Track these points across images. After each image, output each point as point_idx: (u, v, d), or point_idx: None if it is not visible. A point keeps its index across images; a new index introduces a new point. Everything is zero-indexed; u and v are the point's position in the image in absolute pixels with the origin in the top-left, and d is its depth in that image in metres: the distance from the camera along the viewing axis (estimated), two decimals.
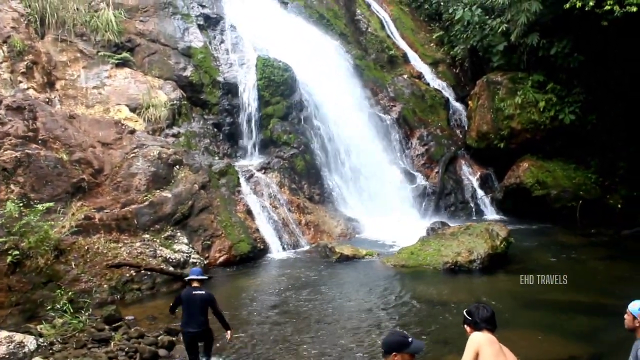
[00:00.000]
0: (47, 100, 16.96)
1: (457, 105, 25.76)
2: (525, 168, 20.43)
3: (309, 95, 21.34)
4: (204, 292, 8.59)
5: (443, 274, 14.00)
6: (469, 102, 23.78)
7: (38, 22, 18.58)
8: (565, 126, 19.94)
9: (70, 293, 11.84)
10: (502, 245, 14.71)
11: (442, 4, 27.29)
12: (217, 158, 19.08)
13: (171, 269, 13.99)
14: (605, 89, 19.23)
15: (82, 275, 12.71)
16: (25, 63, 17.27)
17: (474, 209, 22.10)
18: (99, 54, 19.29)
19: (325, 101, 21.55)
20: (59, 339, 9.99)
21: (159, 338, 10.13)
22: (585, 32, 18.23)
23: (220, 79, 20.88)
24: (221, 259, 15.74)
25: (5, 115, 14.27)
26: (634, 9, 15.40)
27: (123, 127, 16.76)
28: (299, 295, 12.81)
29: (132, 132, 16.81)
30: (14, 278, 11.71)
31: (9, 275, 11.66)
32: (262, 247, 16.65)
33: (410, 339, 4.57)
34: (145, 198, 15.39)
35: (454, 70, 27.61)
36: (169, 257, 14.32)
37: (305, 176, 19.75)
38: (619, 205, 18.95)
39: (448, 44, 27.42)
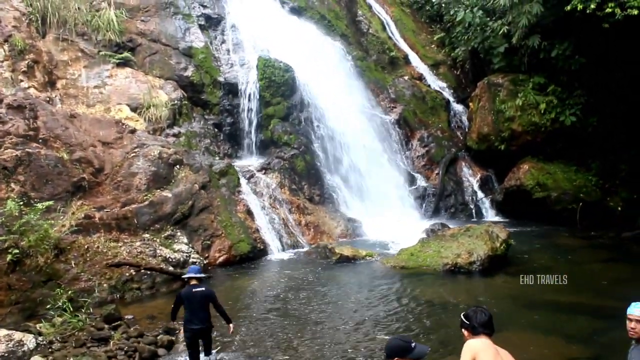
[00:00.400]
0: (48, 99, 16.97)
1: (458, 106, 25.78)
2: (526, 170, 20.42)
3: (309, 96, 21.35)
4: (204, 288, 8.65)
5: (443, 275, 13.99)
6: (470, 104, 23.79)
7: (39, 21, 18.60)
8: (566, 128, 19.94)
9: (70, 292, 11.84)
10: (502, 247, 14.69)
11: (443, 5, 27.29)
12: (217, 158, 19.10)
13: (171, 268, 13.99)
14: (606, 91, 19.22)
15: (82, 274, 12.71)
16: (27, 62, 17.28)
17: (474, 211, 22.12)
18: (100, 53, 19.30)
19: (325, 102, 21.56)
20: (58, 338, 9.99)
21: (158, 337, 10.13)
22: (587, 34, 18.23)
23: (221, 79, 20.90)
24: (221, 259, 15.75)
25: (6, 114, 14.28)
26: (635, 11, 15.41)
27: (124, 126, 16.77)
28: (299, 295, 12.81)
29: (133, 131, 16.81)
30: (14, 276, 11.71)
31: (9, 274, 11.65)
32: (261, 247, 16.66)
33: (413, 344, 4.54)
34: (145, 197, 15.40)
35: (455, 71, 27.62)
36: (169, 257, 14.32)
37: (305, 177, 19.75)
38: (620, 208, 18.93)
39: (449, 46, 27.44)
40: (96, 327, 10.48)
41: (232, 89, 20.92)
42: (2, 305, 11.32)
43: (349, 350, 9.52)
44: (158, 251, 14.32)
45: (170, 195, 15.78)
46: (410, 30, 28.57)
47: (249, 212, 17.19)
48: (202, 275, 9.32)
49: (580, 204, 19.02)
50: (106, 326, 10.57)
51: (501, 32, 20.95)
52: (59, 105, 17.19)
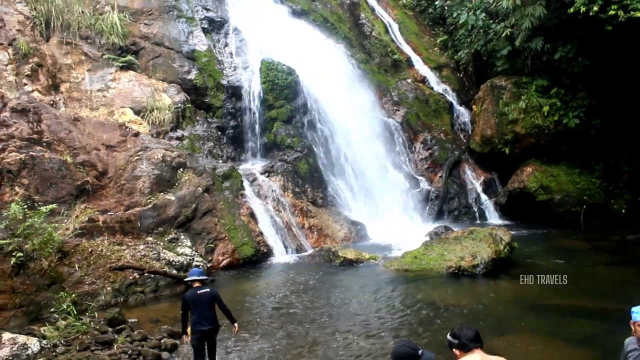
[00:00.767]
0: (51, 102, 17.02)
1: (461, 109, 25.78)
2: (529, 173, 20.40)
3: (312, 99, 21.36)
4: (208, 289, 8.70)
5: (446, 278, 13.97)
6: (473, 107, 23.79)
7: (43, 25, 18.67)
8: (570, 131, 19.92)
9: (73, 295, 11.86)
10: (505, 250, 14.67)
11: (446, 8, 27.34)
12: (220, 161, 19.11)
13: (174, 271, 13.99)
14: (609, 93, 19.21)
15: (86, 277, 12.73)
16: (30, 65, 17.33)
17: (477, 214, 22.11)
18: (104, 56, 19.36)
19: (328, 105, 21.56)
20: (62, 341, 9.99)
21: (162, 341, 10.13)
22: (590, 36, 18.23)
23: (224, 82, 20.92)
24: (224, 262, 15.76)
25: (10, 118, 14.31)
26: (638, 13, 15.44)
27: (127, 129, 16.80)
28: (302, 299, 12.80)
29: (136, 134, 16.84)
30: (18, 280, 11.73)
31: (13, 277, 11.68)
32: (265, 250, 16.65)
33: (420, 351, 4.50)
34: (149, 201, 15.42)
35: (458, 74, 27.62)
36: (173, 260, 14.32)
37: (308, 180, 19.75)
38: (623, 210, 18.92)
39: (452, 48, 27.46)
40: (100, 330, 10.48)
41: (235, 92, 20.93)
42: (6, 309, 11.34)
43: (354, 355, 9.51)
44: (162, 254, 14.33)
45: (173, 198, 15.81)
46: (413, 33, 28.60)
47: (253, 216, 17.20)
48: (206, 277, 9.36)
49: (584, 206, 19.00)
50: (110, 329, 10.57)
51: (504, 34, 20.96)
52: (62, 109, 17.24)
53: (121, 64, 19.46)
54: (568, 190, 19.60)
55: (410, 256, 15.27)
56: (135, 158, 16.03)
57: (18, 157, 13.61)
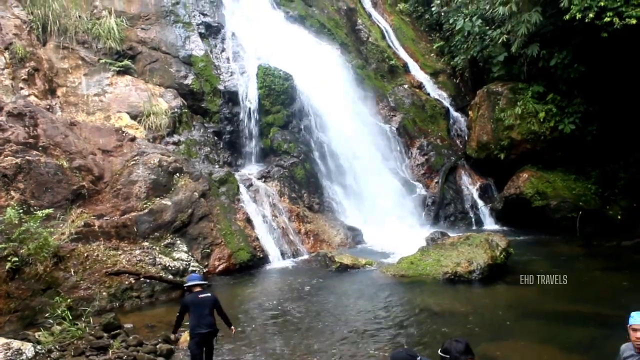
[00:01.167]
0: (48, 107, 16.99)
1: (457, 115, 25.84)
2: (525, 178, 20.43)
3: (309, 104, 21.39)
4: (209, 294, 8.85)
5: (442, 284, 13.96)
6: (469, 112, 23.83)
7: (40, 29, 18.66)
8: (566, 137, 19.96)
9: (69, 300, 11.83)
10: (501, 256, 14.68)
11: (442, 14, 27.42)
12: (217, 166, 19.11)
13: (170, 277, 13.96)
14: (605, 99, 19.26)
15: (81, 282, 12.69)
16: (27, 70, 17.31)
17: (473, 219, 22.12)
18: (101, 61, 19.35)
19: (325, 110, 21.60)
20: (57, 347, 9.95)
21: (157, 346, 10.10)
22: (586, 43, 18.28)
23: (221, 87, 20.94)
24: (220, 267, 15.73)
25: (6, 122, 14.30)
26: (634, 21, 15.51)
27: (124, 134, 16.79)
28: (299, 304, 12.78)
29: (133, 139, 16.83)
30: (13, 285, 11.69)
31: (8, 282, 11.64)
32: (261, 255, 16.64)
33: (418, 357, 4.52)
34: (145, 206, 15.40)
35: (455, 80, 27.70)
36: (169, 265, 14.30)
37: (305, 185, 19.75)
38: (619, 216, 18.93)
39: (448, 54, 27.55)
40: (95, 335, 10.44)
41: (232, 97, 20.95)
42: (1, 314, 11.30)
43: (349, 359, 9.49)
44: (157, 259, 14.30)
45: (169, 203, 15.79)
46: (409, 39, 28.69)
47: (249, 221, 17.18)
48: (205, 282, 9.53)
49: (580, 212, 19.01)
50: (105, 335, 10.53)
51: (500, 40, 21.01)
52: (59, 113, 17.21)
53: (118, 69, 19.45)
54: (564, 196, 19.63)
55: (406, 262, 15.26)
56: (132, 163, 16.01)
57: (14, 162, 13.59)
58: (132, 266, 13.66)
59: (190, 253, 15.34)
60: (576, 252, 16.88)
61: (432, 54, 28.56)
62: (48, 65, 18.23)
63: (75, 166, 14.83)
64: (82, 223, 13.88)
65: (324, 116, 21.49)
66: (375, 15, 29.15)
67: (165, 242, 15.14)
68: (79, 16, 19.56)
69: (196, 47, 21.45)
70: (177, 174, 16.52)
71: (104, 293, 12.79)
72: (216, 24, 22.74)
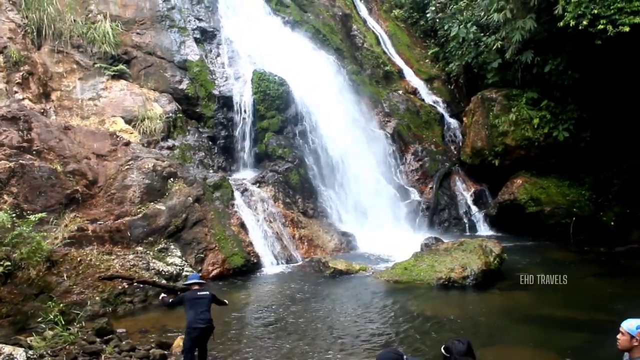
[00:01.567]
0: (42, 111, 16.95)
1: (452, 121, 25.90)
2: (519, 184, 20.49)
3: (304, 109, 21.40)
4: (207, 292, 9.26)
5: (436, 289, 13.96)
6: (464, 118, 23.90)
7: (35, 33, 18.63)
8: (559, 143, 20.05)
9: (61, 305, 11.74)
10: (495, 262, 14.70)
11: (437, 20, 27.53)
12: (211, 171, 19.08)
13: (164, 281, 13.91)
14: (599, 106, 19.35)
15: (74, 287, 12.62)
16: (21, 74, 17.28)
17: (467, 225, 22.14)
18: (95, 65, 19.33)
19: (320, 116, 21.60)
20: (49, 352, 9.88)
21: (150, 351, 10.04)
22: (580, 50, 18.39)
23: (215, 92, 20.94)
24: (214, 272, 15.67)
25: (0, 126, 14.24)
26: (627, 28, 15.62)
27: (118, 139, 16.76)
28: (292, 309, 12.75)
29: (127, 144, 16.80)
30: (5, 289, 11.61)
31: (0, 287, 11.56)
32: (255, 260, 16.59)
33: (405, 357, 4.52)
34: (139, 210, 15.35)
35: (449, 86, 27.80)
36: (162, 270, 14.25)
37: (299, 190, 19.74)
38: (612, 222, 19.02)
39: (443, 61, 27.65)
40: (88, 340, 10.39)
41: (226, 102, 20.94)
42: None
43: None
44: (151, 264, 14.25)
45: (164, 208, 15.74)
46: (404, 45, 28.78)
47: (243, 226, 17.14)
48: (204, 281, 10.13)
49: (574, 218, 19.09)
50: (98, 340, 10.48)
51: (495, 47, 21.11)
52: (53, 117, 17.18)
53: (113, 73, 19.44)
54: (558, 202, 19.70)
55: (400, 267, 15.26)
56: (126, 167, 15.96)
57: (7, 166, 13.53)
58: (125, 271, 13.60)
59: (184, 258, 15.29)
60: (570, 258, 16.92)
61: (427, 60, 28.66)
62: (42, 69, 18.20)
63: (69, 170, 14.78)
64: (76, 227, 13.82)
65: (319, 121, 21.50)
66: (370, 21, 29.25)
67: (159, 247, 15.09)
68: (74, 20, 19.55)
69: (191, 52, 21.46)
70: (172, 179, 16.48)
71: (97, 298, 12.72)
72: (211, 29, 22.76)
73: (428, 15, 28.30)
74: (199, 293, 9.08)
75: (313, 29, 25.53)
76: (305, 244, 18.42)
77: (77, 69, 19.12)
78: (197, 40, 22.03)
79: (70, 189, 14.50)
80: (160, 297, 9.98)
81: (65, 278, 12.65)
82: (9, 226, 11.90)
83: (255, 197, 18.49)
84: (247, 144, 20.71)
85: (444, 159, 24.06)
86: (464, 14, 24.21)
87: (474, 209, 22.52)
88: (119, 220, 14.90)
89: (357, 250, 19.01)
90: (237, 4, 24.17)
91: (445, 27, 25.31)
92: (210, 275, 15.56)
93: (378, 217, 20.63)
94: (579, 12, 16.54)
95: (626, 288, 13.31)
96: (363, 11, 29.74)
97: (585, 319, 11.42)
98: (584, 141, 19.97)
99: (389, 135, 23.84)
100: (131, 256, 14.25)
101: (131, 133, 18.20)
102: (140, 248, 14.74)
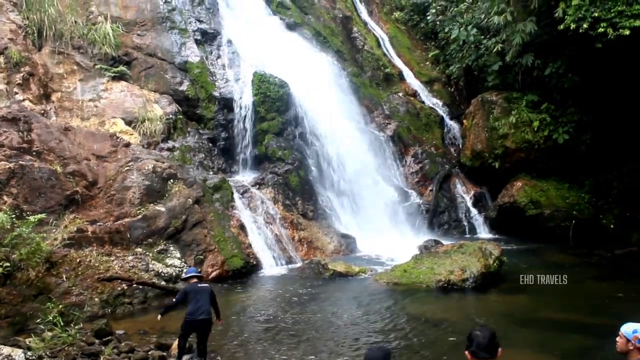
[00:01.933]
0: (42, 112, 16.95)
1: (452, 123, 25.92)
2: (519, 187, 20.49)
3: (304, 111, 21.41)
4: (207, 285, 9.58)
5: (436, 292, 13.95)
6: (464, 121, 23.91)
7: (35, 34, 18.64)
8: (559, 146, 20.06)
9: (60, 306, 11.70)
10: (495, 264, 14.70)
11: (438, 23, 27.56)
12: (211, 173, 19.07)
13: (163, 283, 13.91)
14: (599, 109, 19.36)
15: (73, 288, 12.61)
16: (22, 74, 17.28)
17: (467, 228, 22.16)
18: (96, 66, 19.34)
19: (320, 118, 21.61)
20: (47, 353, 9.87)
21: (149, 353, 10.03)
22: (580, 53, 18.40)
23: (216, 94, 20.95)
24: (214, 274, 15.65)
25: (0, 126, 14.24)
26: (627, 31, 15.63)
27: (118, 140, 16.75)
28: (291, 311, 12.74)
29: (127, 145, 16.79)
30: (4, 290, 11.59)
31: None
32: (254, 262, 16.58)
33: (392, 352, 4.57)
34: (138, 212, 15.34)
35: (449, 88, 27.82)
36: (161, 271, 14.24)
37: (299, 192, 19.74)
38: (612, 225, 19.02)
39: (443, 63, 27.67)
40: (87, 342, 10.37)
41: (227, 104, 20.96)
42: None
43: None
44: (150, 266, 14.24)
45: (163, 209, 15.73)
46: (405, 47, 28.80)
47: (242, 227, 17.13)
48: (201, 274, 10.59)
49: (573, 221, 19.09)
50: (97, 341, 10.47)
51: (495, 50, 21.14)
52: (53, 118, 17.17)
53: (113, 74, 19.45)
54: (558, 205, 19.70)
55: (400, 270, 15.25)
56: (126, 168, 15.96)
57: (7, 166, 13.52)
58: (124, 272, 13.59)
59: (183, 259, 15.28)
60: (569, 261, 16.92)
61: (427, 63, 28.68)
62: (43, 70, 18.21)
63: (69, 171, 14.77)
64: (75, 228, 13.80)
65: (319, 124, 21.51)
66: (371, 23, 29.26)
67: (158, 249, 15.08)
68: (75, 21, 19.56)
69: (192, 53, 21.47)
70: (171, 180, 16.48)
71: (96, 299, 12.71)
72: (212, 31, 22.77)
73: (428, 17, 28.33)
74: (199, 285, 9.33)
75: (314, 31, 25.55)
76: (305, 245, 18.41)
77: (77, 70, 19.12)
78: (197, 42, 22.04)
79: (70, 190, 14.49)
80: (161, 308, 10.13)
81: (65, 279, 12.64)
82: (9, 227, 11.89)
83: (255, 199, 18.49)
84: (247, 145, 20.72)
85: (444, 162, 24.06)
86: (465, 16, 24.24)
87: (473, 211, 22.52)
88: (119, 222, 14.89)
89: (357, 252, 19.00)
90: (237, 6, 24.23)
91: (446, 30, 25.33)
92: (210, 276, 15.53)
93: (378, 220, 20.63)
94: (580, 15, 16.55)
95: (626, 291, 13.30)
96: (364, 13, 29.77)
97: (585, 321, 11.41)
98: (584, 144, 19.98)
99: (389, 138, 23.83)
100: (130, 257, 14.24)
101: (131, 134, 18.20)
102: (139, 249, 14.73)
